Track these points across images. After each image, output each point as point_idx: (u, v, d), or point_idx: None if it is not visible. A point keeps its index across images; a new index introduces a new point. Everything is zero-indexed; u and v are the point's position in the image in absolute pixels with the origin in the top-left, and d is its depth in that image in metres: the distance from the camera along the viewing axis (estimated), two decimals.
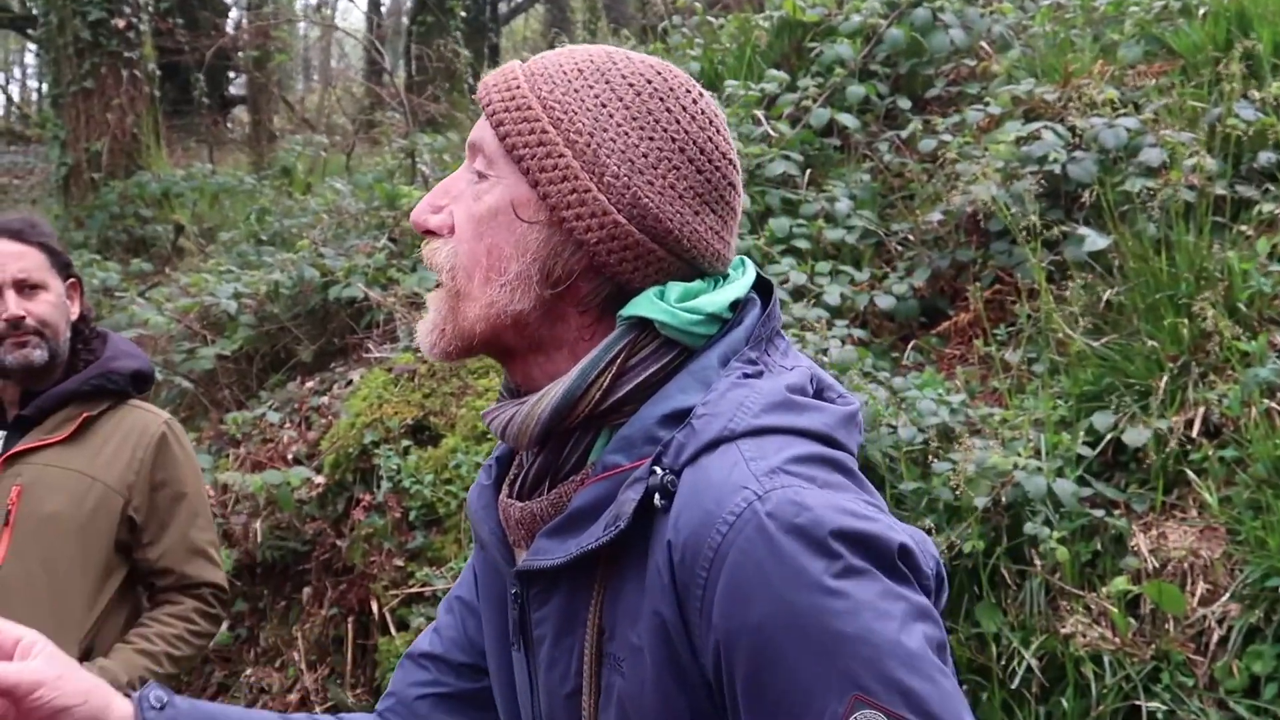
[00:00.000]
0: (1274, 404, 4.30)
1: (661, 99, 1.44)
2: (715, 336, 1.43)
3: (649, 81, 1.45)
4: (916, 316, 5.65)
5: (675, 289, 1.43)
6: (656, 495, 1.32)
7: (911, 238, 5.94)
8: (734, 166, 1.48)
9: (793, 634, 1.24)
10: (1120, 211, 5.28)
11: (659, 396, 1.40)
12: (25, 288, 3.16)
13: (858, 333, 5.42)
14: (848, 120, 6.43)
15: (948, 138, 6.09)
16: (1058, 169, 5.43)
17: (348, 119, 15.92)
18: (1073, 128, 5.70)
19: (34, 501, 3.09)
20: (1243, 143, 5.37)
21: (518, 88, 1.45)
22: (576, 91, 1.43)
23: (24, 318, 3.12)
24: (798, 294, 5.57)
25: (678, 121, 1.44)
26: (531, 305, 1.42)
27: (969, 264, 5.68)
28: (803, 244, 5.85)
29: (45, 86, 13.63)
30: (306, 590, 5.60)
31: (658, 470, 1.33)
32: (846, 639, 1.23)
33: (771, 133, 6.45)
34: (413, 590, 5.12)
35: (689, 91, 1.47)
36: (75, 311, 3.30)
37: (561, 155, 1.40)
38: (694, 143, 1.44)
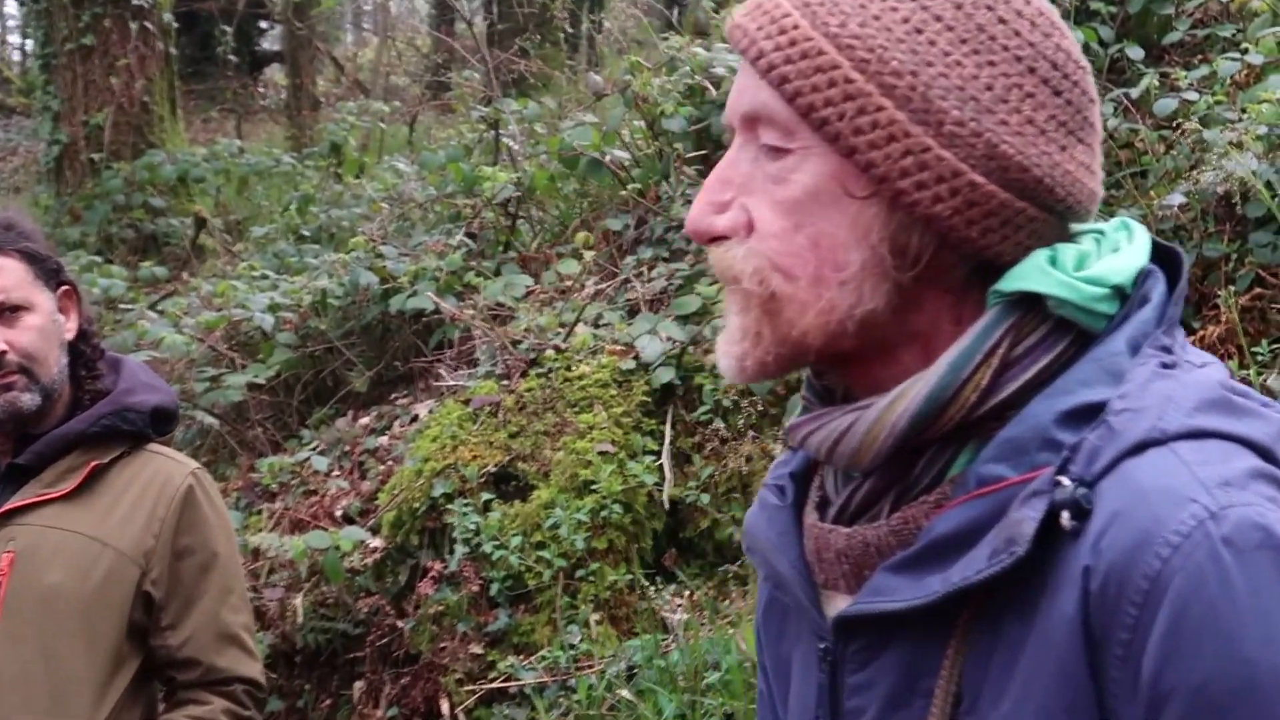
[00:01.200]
0: None
1: (989, 6, 1.40)
2: (1118, 316, 1.40)
3: None
4: None
5: (1068, 253, 1.41)
6: (1065, 513, 1.27)
7: (1145, 226, 5.91)
8: (1087, 72, 1.44)
9: (1247, 705, 1.20)
10: None
11: (1053, 390, 1.36)
12: (3, 311, 3.15)
13: None
14: None
15: (1192, 96, 6.05)
16: None
17: (412, 80, 16.15)
18: None
19: (30, 572, 3.12)
20: None
21: (794, 27, 1.39)
22: (878, 18, 1.38)
23: (4, 353, 3.12)
24: None
25: (1017, 33, 1.40)
26: (884, 302, 1.39)
27: (1220, 261, 5.64)
28: None
29: (32, 44, 13.98)
30: (359, 685, 5.69)
31: (1064, 481, 1.28)
32: None
33: None
34: (493, 685, 5.17)
35: None
36: (72, 328, 3.31)
37: (880, 108, 1.36)
38: (1043, 56, 1.40)
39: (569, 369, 5.86)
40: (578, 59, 13.94)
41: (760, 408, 5.52)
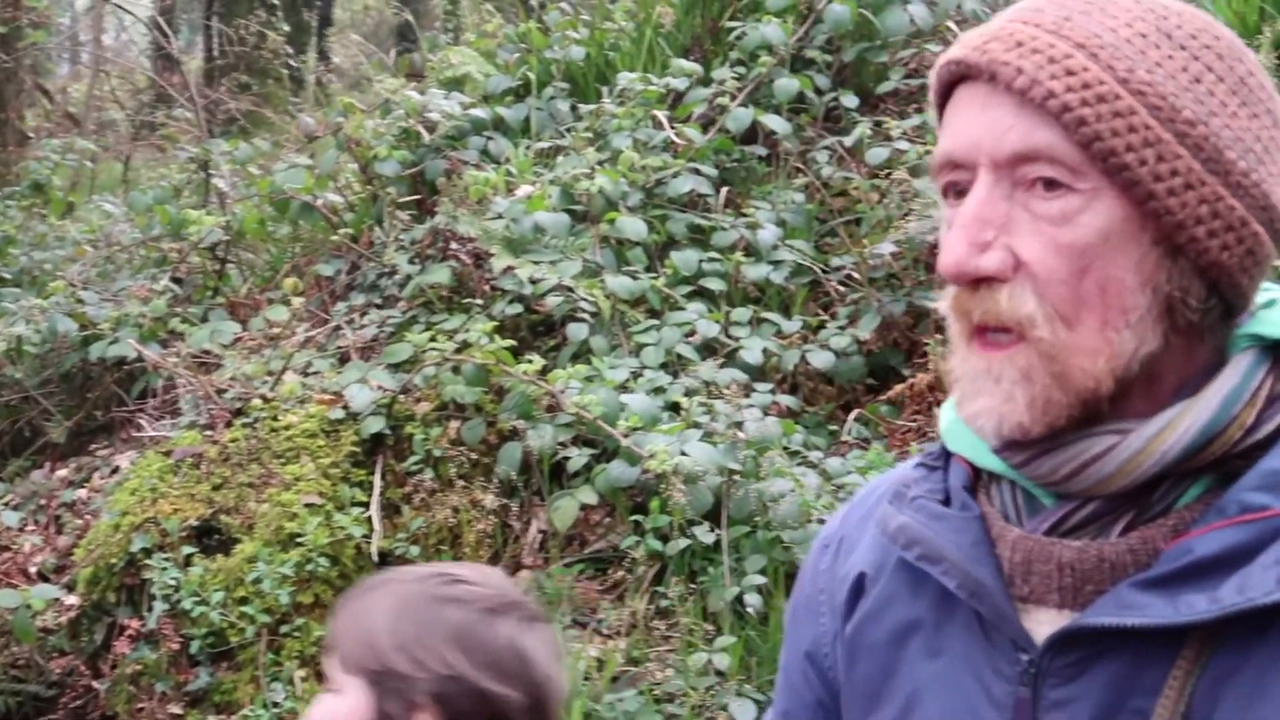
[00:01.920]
0: None
1: (1241, 59, 1.45)
2: None
3: (1217, 39, 1.45)
4: (862, 378, 5.71)
5: None
6: None
7: (857, 275, 6.02)
8: None
9: None
10: None
11: None
12: None
13: (786, 400, 5.47)
14: (776, 123, 6.52)
15: (904, 146, 6.19)
16: None
17: (126, 116, 15.82)
18: None
19: None
20: None
21: (1084, 69, 1.40)
22: (1160, 65, 1.41)
23: None
24: (707, 350, 5.61)
25: (1263, 86, 1.46)
26: (1160, 344, 1.43)
27: (930, 310, 5.76)
28: (715, 284, 5.91)
29: None
30: None
31: None
32: None
33: (676, 140, 6.51)
34: None
35: (1238, 44, 1.48)
36: None
37: (1179, 156, 1.39)
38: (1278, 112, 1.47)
39: (276, 418, 5.75)
40: (303, 98, 13.79)
41: (471, 458, 5.47)
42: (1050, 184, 1.40)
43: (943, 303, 1.50)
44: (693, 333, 5.61)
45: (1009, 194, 1.42)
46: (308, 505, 5.42)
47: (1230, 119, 1.41)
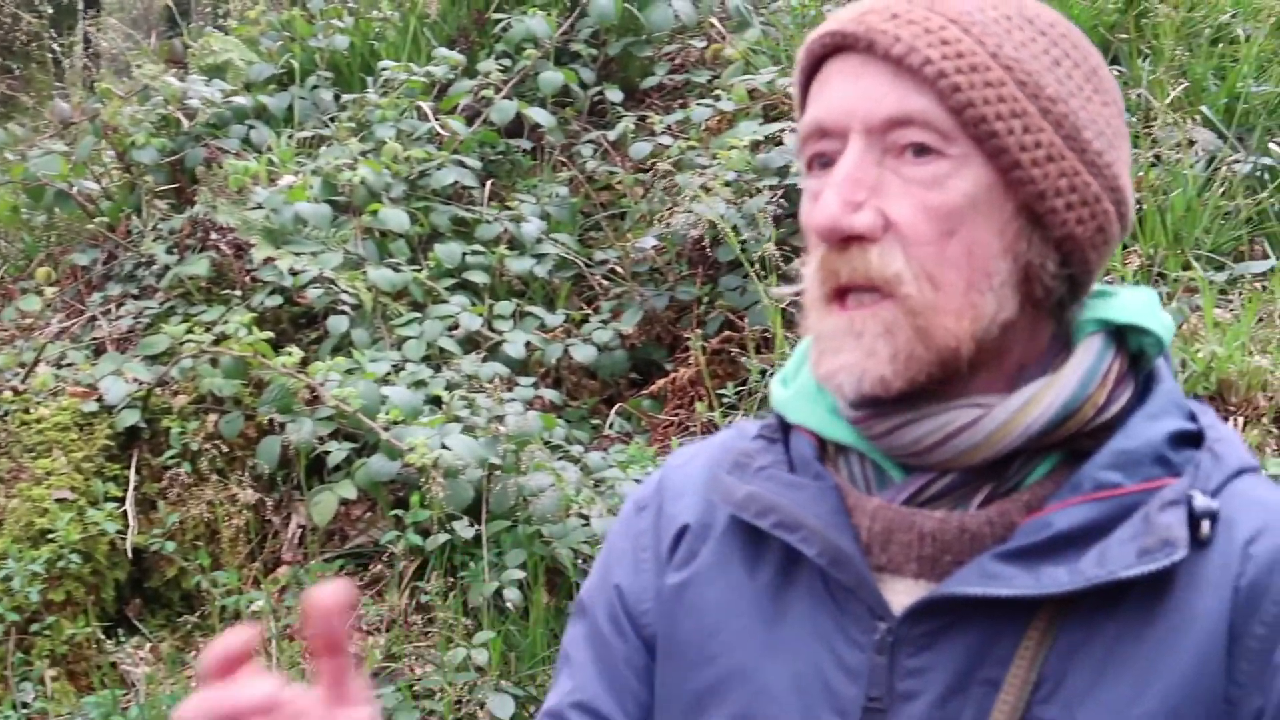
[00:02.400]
0: None
1: (1091, 54, 1.55)
2: (1157, 361, 1.60)
3: (1070, 31, 1.55)
4: (625, 372, 5.75)
5: (1142, 297, 1.59)
6: (1206, 522, 1.45)
7: (620, 270, 6.06)
8: None
9: None
10: None
11: (1148, 414, 1.53)
12: None
13: (549, 394, 5.49)
14: (540, 116, 6.53)
15: (667, 141, 6.24)
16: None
17: None
18: None
19: None
20: None
21: (958, 39, 1.47)
22: (1024, 45, 1.49)
23: None
24: (470, 343, 5.61)
25: (1111, 80, 1.56)
26: (1016, 311, 1.50)
27: (692, 304, 5.82)
28: (478, 277, 5.90)
29: None
30: None
31: (1198, 495, 1.46)
32: None
33: (441, 131, 6.50)
34: None
35: (1087, 40, 1.58)
36: None
37: (1042, 129, 1.47)
38: (1122, 108, 1.57)
39: (27, 411, 5.61)
40: (67, 83, 13.47)
41: (226, 451, 5.40)
42: (921, 150, 1.46)
43: (806, 266, 1.55)
44: (455, 326, 5.59)
45: (880, 160, 1.48)
46: (59, 500, 5.31)
47: (1086, 102, 1.51)
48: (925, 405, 1.52)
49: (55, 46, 12.28)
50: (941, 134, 1.46)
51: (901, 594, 1.53)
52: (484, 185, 6.33)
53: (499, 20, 7.13)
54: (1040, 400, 1.50)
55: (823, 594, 1.58)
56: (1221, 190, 5.45)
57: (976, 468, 1.52)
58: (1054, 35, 1.52)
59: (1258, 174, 5.68)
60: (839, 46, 1.52)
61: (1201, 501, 1.46)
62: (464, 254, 5.96)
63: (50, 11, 12.51)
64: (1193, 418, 1.57)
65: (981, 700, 1.48)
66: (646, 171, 6.32)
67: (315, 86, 7.16)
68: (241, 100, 6.92)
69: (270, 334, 5.42)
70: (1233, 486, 1.50)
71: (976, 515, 1.52)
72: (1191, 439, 1.54)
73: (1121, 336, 1.57)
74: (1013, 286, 1.49)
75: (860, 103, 1.48)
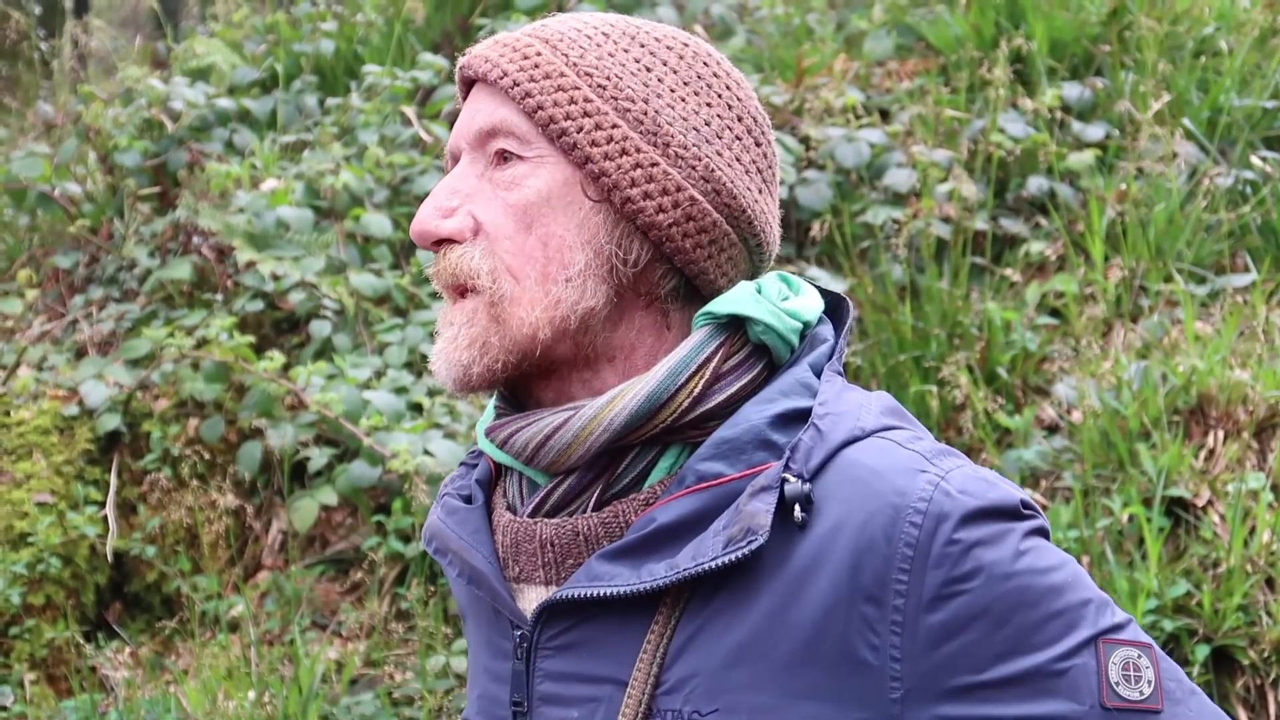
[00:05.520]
0: (1039, 495, 4.53)
1: (705, 63, 1.65)
2: (800, 348, 1.65)
3: (684, 44, 1.65)
4: None
5: (771, 287, 1.65)
6: (797, 506, 1.49)
7: None
8: (773, 138, 1.71)
9: (1024, 609, 1.47)
10: (860, 248, 5.49)
11: (759, 399, 1.58)
12: None
13: None
14: None
15: None
16: (784, 192, 5.62)
17: None
18: (806, 139, 5.92)
19: None
20: (1009, 165, 5.67)
21: (538, 54, 1.60)
22: (612, 55, 1.62)
23: None
24: None
25: (728, 87, 1.65)
26: (603, 301, 1.58)
27: None
28: None
29: None
30: None
31: (791, 478, 1.50)
32: (1063, 591, 1.50)
33: (425, 136, 6.49)
34: None
35: (712, 55, 1.68)
36: None
37: (615, 125, 1.57)
38: (747, 110, 1.66)
39: (8, 414, 5.61)
40: (55, 84, 13.43)
41: (207, 456, 5.40)
42: (506, 156, 1.60)
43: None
44: (437, 332, 5.59)
45: (481, 171, 1.62)
46: (39, 504, 5.30)
47: (676, 102, 1.60)
48: (538, 411, 1.60)
49: (42, 47, 12.25)
50: (520, 138, 1.59)
51: (534, 601, 1.62)
52: None
53: (483, 25, 7.14)
54: (625, 394, 1.56)
55: (490, 610, 1.69)
56: (1203, 203, 5.47)
57: (588, 469, 1.59)
58: (655, 48, 1.63)
59: (1240, 187, 5.70)
60: (468, 80, 1.68)
61: (792, 486, 1.50)
62: None
63: (39, 11, 12.48)
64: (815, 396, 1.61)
65: (611, 700, 1.55)
66: None
67: (299, 90, 7.16)
68: (225, 104, 6.90)
69: (252, 338, 5.41)
70: (840, 459, 1.53)
71: (590, 518, 1.59)
72: (804, 417, 1.58)
73: (742, 327, 1.61)
74: (598, 277, 1.58)
75: (468, 124, 1.63)
